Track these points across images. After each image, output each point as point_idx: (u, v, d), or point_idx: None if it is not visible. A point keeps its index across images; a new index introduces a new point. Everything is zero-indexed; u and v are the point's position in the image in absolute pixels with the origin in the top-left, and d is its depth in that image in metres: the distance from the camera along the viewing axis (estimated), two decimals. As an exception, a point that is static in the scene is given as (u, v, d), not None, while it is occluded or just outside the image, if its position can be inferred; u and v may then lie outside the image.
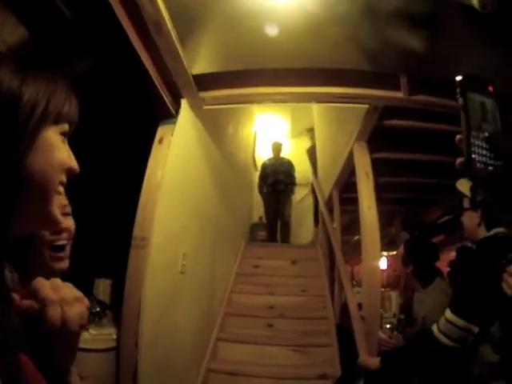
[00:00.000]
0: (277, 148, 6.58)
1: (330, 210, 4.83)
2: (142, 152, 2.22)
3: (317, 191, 5.67)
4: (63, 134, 0.56)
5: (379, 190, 3.02)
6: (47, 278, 0.80)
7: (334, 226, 4.70)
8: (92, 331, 1.90)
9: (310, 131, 6.77)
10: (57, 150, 0.54)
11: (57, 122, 0.54)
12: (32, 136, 0.50)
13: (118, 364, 1.91)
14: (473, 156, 0.44)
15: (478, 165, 0.44)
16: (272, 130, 7.22)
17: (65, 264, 0.94)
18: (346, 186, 4.16)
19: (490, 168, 0.44)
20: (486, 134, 0.45)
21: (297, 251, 5.23)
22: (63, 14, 1.20)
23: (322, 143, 5.97)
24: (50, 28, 1.20)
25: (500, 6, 1.59)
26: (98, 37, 1.49)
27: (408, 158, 3.40)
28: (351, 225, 5.12)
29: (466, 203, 1.57)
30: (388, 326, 2.11)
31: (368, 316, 2.62)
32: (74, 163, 0.58)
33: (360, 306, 2.87)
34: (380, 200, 2.99)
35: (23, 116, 0.49)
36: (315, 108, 6.29)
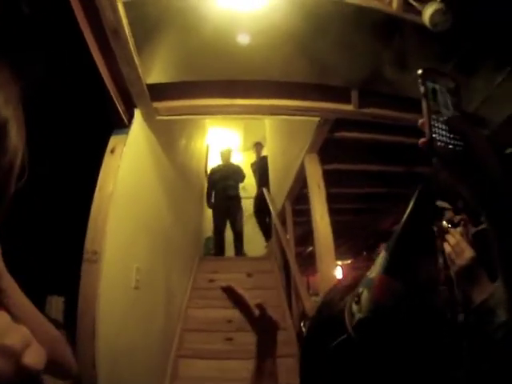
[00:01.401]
0: (226, 154, 6.44)
1: (283, 222, 4.89)
2: (94, 162, 2.14)
3: (269, 203, 5.72)
4: None
5: (331, 200, 3.10)
6: None
7: (288, 237, 4.76)
8: (44, 351, 1.78)
9: (256, 145, 6.81)
10: None
11: None
12: None
13: (74, 387, 1.79)
14: (434, 135, 0.48)
15: (439, 143, 0.49)
16: (224, 143, 7.23)
17: None
18: (299, 197, 4.24)
19: (450, 146, 0.49)
20: (445, 118, 0.51)
21: (251, 264, 5.23)
22: (21, 9, 1.15)
23: (273, 156, 6.06)
24: (6, 20, 1.14)
25: (450, 24, 1.71)
26: (54, 37, 1.44)
27: (359, 168, 3.54)
28: (304, 236, 5.21)
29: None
30: None
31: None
32: None
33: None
34: (333, 211, 3.07)
35: None
36: (267, 121, 6.41)
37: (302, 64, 2.31)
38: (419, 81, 0.51)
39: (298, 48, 2.18)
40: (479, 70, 2.20)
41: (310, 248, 6.59)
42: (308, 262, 5.87)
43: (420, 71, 0.52)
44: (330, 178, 3.17)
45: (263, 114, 3.10)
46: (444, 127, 0.50)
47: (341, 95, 2.55)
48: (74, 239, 2.04)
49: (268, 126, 6.56)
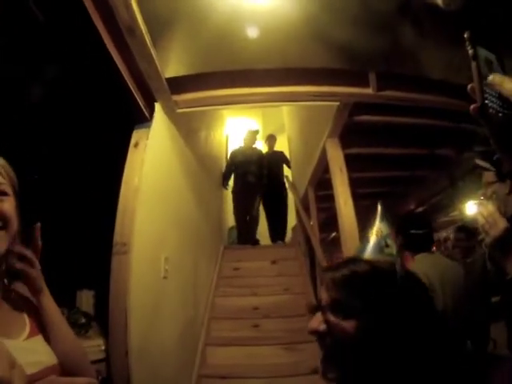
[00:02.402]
0: (251, 137, 6.03)
1: (306, 208, 4.89)
2: (118, 157, 2.19)
3: (292, 190, 5.73)
4: None
5: (353, 185, 3.08)
6: None
7: (311, 223, 4.76)
8: (80, 345, 1.87)
9: (268, 138, 6.58)
10: None
11: None
12: None
13: (109, 375, 1.87)
14: (486, 102, 0.47)
15: (491, 110, 0.47)
16: (243, 133, 7.21)
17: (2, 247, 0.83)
18: (321, 183, 4.23)
19: (501, 114, 0.47)
20: None
21: (276, 251, 5.26)
22: (36, 18, 1.18)
23: (293, 142, 6.05)
24: (23, 31, 1.18)
25: (463, 3, 1.66)
26: (72, 41, 1.48)
27: (380, 152, 3.50)
28: (328, 222, 5.20)
29: (490, 177, 1.57)
30: None
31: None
32: None
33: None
34: (355, 195, 3.06)
35: None
36: (285, 109, 6.37)
37: (318, 49, 2.28)
38: (468, 43, 0.49)
39: (313, 33, 2.15)
40: (491, 50, 2.13)
41: (334, 234, 6.58)
42: (332, 247, 5.88)
43: (467, 34, 0.50)
44: (351, 163, 3.15)
45: (282, 101, 3.09)
46: (495, 94, 0.47)
47: (359, 79, 2.52)
48: (103, 233, 2.11)
49: (286, 113, 6.53)
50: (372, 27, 2.10)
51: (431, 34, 2.10)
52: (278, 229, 6.07)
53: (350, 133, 3.11)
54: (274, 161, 6.19)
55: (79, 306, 2.12)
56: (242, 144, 6.09)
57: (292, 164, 6.24)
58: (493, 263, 1.32)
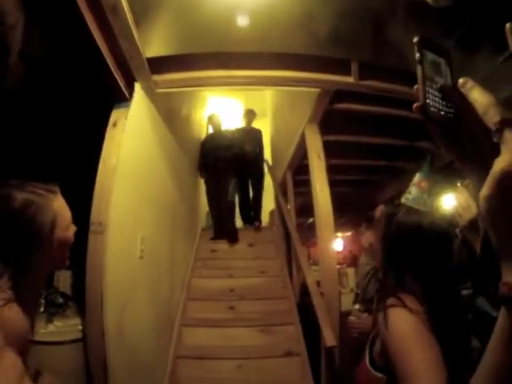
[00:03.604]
0: (213, 120, 5.82)
1: (284, 192, 4.94)
2: (97, 136, 2.16)
3: (270, 174, 5.75)
4: None
5: (332, 172, 3.13)
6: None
7: (289, 207, 4.81)
8: (57, 323, 1.87)
9: (247, 112, 6.21)
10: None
11: None
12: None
13: (86, 355, 1.88)
14: (427, 101, 0.50)
15: (432, 109, 0.50)
16: (225, 113, 7.10)
17: None
18: (299, 168, 4.27)
19: (442, 113, 0.51)
20: (438, 85, 0.52)
21: (253, 234, 5.30)
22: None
23: (275, 125, 6.05)
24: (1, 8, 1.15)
25: (451, 1, 1.70)
26: (52, 17, 1.44)
27: (360, 140, 3.55)
28: (306, 207, 5.26)
29: None
30: (357, 307, 2.16)
31: (327, 292, 2.74)
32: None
33: (319, 283, 2.99)
34: (333, 182, 3.10)
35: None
36: (268, 92, 6.34)
37: (301, 35, 2.28)
38: (415, 48, 0.53)
39: (297, 19, 2.15)
40: (480, 48, 2.17)
41: (311, 219, 6.67)
42: (309, 232, 5.96)
43: (416, 39, 0.53)
44: (330, 149, 3.19)
45: (263, 85, 3.09)
46: (437, 94, 0.51)
47: (341, 67, 2.54)
48: (80, 212, 2.09)
49: (269, 96, 6.50)
50: (357, 16, 2.11)
51: (416, 27, 2.13)
52: (249, 208, 5.80)
53: (329, 119, 3.14)
54: (250, 137, 5.85)
55: (57, 285, 2.13)
56: (211, 130, 5.93)
57: (272, 147, 6.25)
58: (465, 246, 1.43)
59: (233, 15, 2.12)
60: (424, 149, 3.46)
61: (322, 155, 3.05)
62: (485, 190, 0.40)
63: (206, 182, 5.52)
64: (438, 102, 0.51)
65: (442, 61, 0.55)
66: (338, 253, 7.72)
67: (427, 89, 0.51)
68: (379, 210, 1.55)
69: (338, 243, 8.19)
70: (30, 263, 0.97)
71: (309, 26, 2.21)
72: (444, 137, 0.51)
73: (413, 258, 1.09)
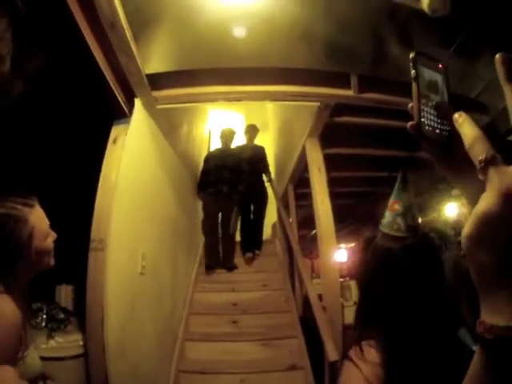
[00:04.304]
0: (226, 135, 5.25)
1: (286, 206, 4.93)
2: (97, 153, 2.17)
3: (272, 187, 5.73)
4: None
5: (334, 184, 3.12)
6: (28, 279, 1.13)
7: (290, 220, 4.80)
8: (58, 339, 1.86)
9: (249, 128, 5.84)
10: None
11: None
12: None
13: (87, 371, 1.87)
14: (422, 120, 0.49)
15: (427, 128, 0.49)
16: (226, 125, 6.98)
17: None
18: (301, 181, 4.27)
19: (437, 131, 0.49)
20: (434, 103, 0.51)
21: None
22: (17, 8, 1.17)
23: (276, 138, 6.06)
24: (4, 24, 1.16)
25: (449, 10, 1.70)
26: (52, 34, 1.45)
27: (360, 153, 3.55)
28: (308, 219, 5.25)
29: None
30: None
31: (329, 305, 2.72)
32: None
33: (321, 297, 2.97)
34: (335, 194, 3.10)
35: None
36: (269, 104, 6.35)
37: (301, 50, 2.31)
38: (410, 64, 0.52)
39: (297, 34, 2.17)
40: (480, 55, 2.18)
41: (314, 231, 6.64)
42: (312, 244, 5.93)
43: (412, 55, 0.53)
44: (331, 162, 3.19)
45: (263, 100, 3.10)
46: (433, 112, 0.50)
47: (341, 80, 2.55)
48: (80, 229, 2.09)
49: (270, 109, 6.53)
50: (355, 30, 2.13)
51: (413, 38, 2.14)
52: (251, 236, 5.15)
53: (330, 133, 3.14)
54: (254, 156, 5.41)
55: (58, 300, 2.13)
56: (219, 145, 5.33)
57: (274, 161, 6.24)
58: (457, 266, 1.39)
59: (232, 30, 2.14)
60: (425, 159, 3.45)
61: (323, 168, 3.05)
62: (466, 229, 0.39)
63: (205, 207, 4.85)
64: (434, 120, 0.50)
65: (438, 77, 0.54)
66: (342, 264, 7.64)
67: (422, 107, 0.50)
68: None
69: (342, 254, 8.12)
70: (13, 272, 1.08)
71: (308, 40, 2.23)
72: (438, 154, 0.51)
73: (383, 288, 0.97)
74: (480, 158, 0.39)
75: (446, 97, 0.53)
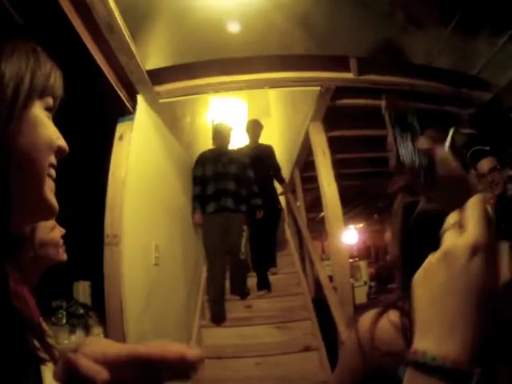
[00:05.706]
0: (222, 133, 4.16)
1: (293, 190, 4.96)
2: (105, 150, 2.23)
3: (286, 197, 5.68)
4: (48, 109, 0.51)
5: (339, 166, 3.14)
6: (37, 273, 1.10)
7: (298, 204, 4.84)
8: (80, 334, 1.94)
9: (251, 124, 5.20)
10: (43, 128, 0.48)
11: (42, 96, 0.50)
12: (20, 113, 0.45)
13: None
14: (401, 160, 0.54)
15: (406, 161, 0.53)
16: (229, 114, 6.93)
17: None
18: (306, 164, 4.29)
19: (417, 162, 0.53)
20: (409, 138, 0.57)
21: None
22: (11, 17, 1.20)
23: (280, 124, 6.05)
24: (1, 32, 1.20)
25: None
26: (49, 38, 1.49)
27: (363, 134, 3.55)
28: (316, 202, 5.28)
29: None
30: None
31: (340, 286, 2.77)
32: (62, 142, 0.52)
33: (331, 278, 3.02)
34: (341, 176, 3.12)
35: (9, 93, 0.44)
36: (270, 91, 6.32)
37: (299, 36, 2.31)
38: (383, 110, 0.55)
39: (293, 20, 2.18)
40: (481, 31, 2.17)
41: (323, 213, 6.68)
42: (321, 226, 5.97)
43: (383, 102, 0.55)
44: (336, 145, 3.21)
45: (264, 87, 3.12)
46: (410, 145, 0.53)
47: (340, 64, 2.56)
48: (95, 224, 2.16)
49: (272, 95, 6.50)
50: (352, 12, 2.13)
51: (412, 18, 2.14)
52: (264, 258, 4.27)
53: (333, 116, 3.15)
54: (261, 160, 4.54)
55: (76, 297, 2.20)
56: (214, 145, 4.18)
57: (279, 146, 6.22)
58: None
59: (228, 21, 2.16)
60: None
61: (327, 152, 3.07)
62: (416, 275, 0.40)
63: (206, 236, 3.81)
64: (411, 153, 0.53)
65: (411, 113, 0.56)
66: (353, 245, 7.66)
67: (400, 149, 0.53)
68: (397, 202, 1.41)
69: (353, 235, 8.14)
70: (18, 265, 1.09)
71: (304, 26, 2.23)
72: (421, 180, 0.53)
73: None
74: (445, 226, 0.41)
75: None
